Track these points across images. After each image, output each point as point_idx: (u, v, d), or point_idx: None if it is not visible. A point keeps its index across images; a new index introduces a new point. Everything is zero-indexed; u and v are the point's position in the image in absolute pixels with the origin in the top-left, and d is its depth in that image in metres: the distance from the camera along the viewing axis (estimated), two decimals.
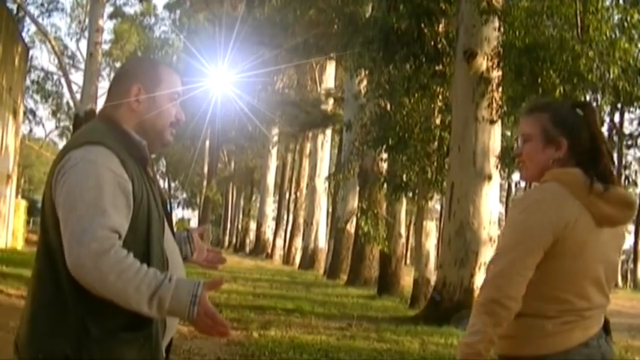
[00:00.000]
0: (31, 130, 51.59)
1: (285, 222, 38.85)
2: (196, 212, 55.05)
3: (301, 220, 30.66)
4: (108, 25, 44.63)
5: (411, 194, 13.99)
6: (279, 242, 35.66)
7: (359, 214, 16.10)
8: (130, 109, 2.06)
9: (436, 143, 13.01)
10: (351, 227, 19.25)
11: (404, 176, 13.33)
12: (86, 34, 25.51)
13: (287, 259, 31.79)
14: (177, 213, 62.02)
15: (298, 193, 33.33)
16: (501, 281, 2.06)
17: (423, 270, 13.08)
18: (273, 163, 36.58)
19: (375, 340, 8.36)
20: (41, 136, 52.86)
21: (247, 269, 22.24)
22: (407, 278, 15.55)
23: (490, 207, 10.50)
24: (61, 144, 49.39)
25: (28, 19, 32.20)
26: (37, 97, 42.52)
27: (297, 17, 19.33)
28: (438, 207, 20.99)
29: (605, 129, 24.81)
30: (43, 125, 74.82)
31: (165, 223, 2.07)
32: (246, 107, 25.85)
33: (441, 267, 10.86)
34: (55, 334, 1.86)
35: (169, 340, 2.13)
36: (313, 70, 27.19)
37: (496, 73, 10.57)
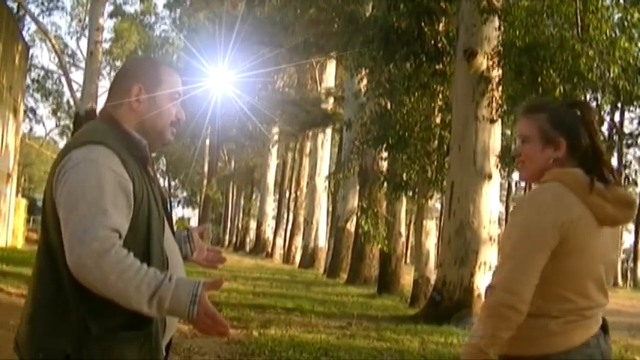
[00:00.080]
0: (31, 129, 51.66)
1: (285, 221, 38.85)
2: (196, 211, 55.10)
3: (301, 219, 30.67)
4: (108, 23, 44.76)
5: (411, 193, 14.00)
6: (279, 241, 35.67)
7: (359, 213, 16.11)
8: (130, 109, 2.07)
9: (436, 142, 13.01)
10: (351, 226, 19.27)
11: (404, 175, 13.33)
12: (86, 32, 25.48)
13: (287, 257, 31.80)
14: (178, 212, 62.09)
15: (298, 192, 33.34)
16: (515, 284, 2.04)
17: (423, 269, 13.08)
18: (273, 162, 36.59)
19: (375, 339, 8.36)
20: (41, 135, 52.89)
21: (247, 268, 22.25)
22: (407, 277, 15.56)
23: (490, 206, 10.50)
24: (62, 143, 49.51)
25: (28, 18, 32.26)
26: (38, 96, 42.66)
27: (298, 16, 19.32)
28: (438, 206, 20.99)
29: (605, 128, 24.82)
30: (44, 124, 75.08)
31: (166, 223, 2.08)
32: (247, 106, 25.87)
33: (441, 266, 10.86)
34: (55, 333, 1.86)
35: (169, 339, 2.14)
36: (313, 69, 27.19)
37: (496, 72, 10.58)
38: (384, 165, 15.86)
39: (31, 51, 29.42)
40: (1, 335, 5.93)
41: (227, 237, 48.65)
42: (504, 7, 10.57)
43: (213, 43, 25.70)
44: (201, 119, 27.74)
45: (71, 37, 72.56)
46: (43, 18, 38.11)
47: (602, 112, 12.69)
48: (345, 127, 17.29)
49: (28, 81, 34.45)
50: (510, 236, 2.13)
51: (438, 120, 13.14)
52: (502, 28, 10.58)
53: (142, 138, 2.05)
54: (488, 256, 10.22)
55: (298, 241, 31.18)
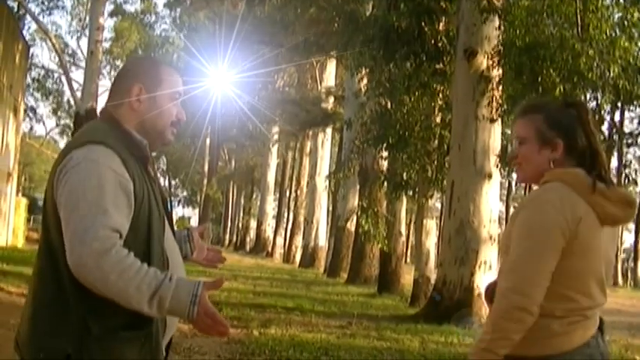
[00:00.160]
0: (31, 128, 51.84)
1: (285, 220, 38.85)
2: (197, 210, 55.12)
3: (301, 219, 30.67)
4: (108, 23, 44.95)
5: (411, 193, 14.00)
6: (280, 240, 35.67)
7: (359, 213, 16.11)
8: (131, 109, 2.07)
9: (436, 142, 13.02)
10: (351, 225, 19.27)
11: (404, 174, 13.34)
12: (87, 32, 25.49)
13: (287, 257, 31.81)
14: (178, 211, 62.14)
15: (299, 192, 33.35)
16: (527, 286, 2.03)
17: (423, 268, 13.09)
18: (273, 162, 36.60)
19: (375, 338, 8.36)
20: (42, 134, 52.90)
21: (247, 267, 22.26)
22: (407, 277, 15.56)
23: (490, 205, 10.50)
24: (62, 142, 49.54)
25: (28, 17, 32.26)
26: (38, 95, 42.68)
27: (298, 16, 19.32)
28: (439, 205, 20.99)
29: (605, 128, 24.83)
30: (44, 123, 75.12)
31: (166, 222, 2.08)
32: (247, 106, 25.87)
33: (441, 265, 10.86)
34: (56, 333, 1.87)
35: (170, 339, 2.15)
36: (314, 69, 27.19)
37: (496, 72, 10.58)
38: (385, 164, 15.86)
39: (31, 50, 29.44)
40: (1, 334, 5.94)
41: (227, 236, 48.67)
42: (504, 6, 10.57)
43: (213, 43, 25.71)
44: (202, 119, 27.74)
45: (71, 37, 72.71)
46: (44, 17, 38.12)
47: (602, 112, 12.67)
48: (346, 127, 17.29)
49: (29, 80, 34.48)
50: (516, 237, 2.11)
51: (438, 119, 13.15)
52: (502, 28, 10.58)
53: (143, 138, 2.06)
54: (489, 256, 10.22)
55: (298, 241, 31.19)
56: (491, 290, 2.26)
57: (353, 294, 14.52)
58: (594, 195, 2.11)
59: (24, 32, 28.68)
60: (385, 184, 14.37)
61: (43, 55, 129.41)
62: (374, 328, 9.24)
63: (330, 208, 27.94)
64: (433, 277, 12.37)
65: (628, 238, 43.44)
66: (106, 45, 39.85)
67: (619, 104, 21.30)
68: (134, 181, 1.93)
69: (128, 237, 1.87)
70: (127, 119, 2.06)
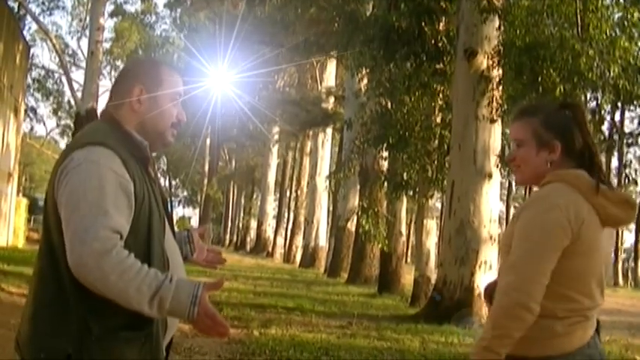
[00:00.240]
0: (32, 128, 51.85)
1: (285, 220, 38.85)
2: (197, 210, 55.15)
3: (302, 219, 30.67)
4: (109, 23, 44.87)
5: (411, 193, 14.00)
6: (280, 240, 35.67)
7: (359, 213, 16.10)
8: (131, 110, 2.07)
9: (436, 142, 13.02)
10: (351, 226, 19.26)
11: (404, 175, 13.34)
12: (87, 32, 25.49)
13: (288, 257, 31.81)
14: (178, 211, 62.17)
15: (299, 192, 33.35)
16: (528, 285, 2.04)
17: (424, 268, 13.09)
18: (273, 162, 36.60)
19: (375, 338, 8.36)
20: (42, 134, 52.95)
21: (248, 267, 22.26)
22: (407, 277, 15.56)
23: (490, 205, 10.51)
24: (62, 142, 49.60)
25: (29, 18, 32.27)
26: (38, 95, 42.68)
27: (298, 16, 19.32)
28: (439, 205, 20.98)
29: (605, 128, 24.81)
30: (44, 123, 75.08)
31: (166, 223, 2.09)
32: (247, 106, 25.87)
33: (442, 265, 10.86)
34: (56, 333, 1.87)
35: (170, 339, 2.15)
36: (314, 69, 27.19)
37: (496, 72, 10.58)
38: (385, 164, 15.87)
39: (31, 50, 29.42)
40: (2, 335, 5.95)
41: (228, 236, 48.66)
42: (504, 6, 10.57)
43: (213, 43, 25.68)
44: (202, 119, 27.75)
45: (72, 37, 72.61)
46: (44, 17, 38.14)
47: (603, 112, 12.67)
48: (346, 127, 17.27)
49: (29, 80, 34.49)
50: (518, 237, 2.12)
51: (438, 119, 13.15)
52: (502, 28, 10.58)
53: (143, 139, 2.06)
54: (489, 256, 10.23)
55: (299, 241, 31.19)
56: (490, 290, 2.27)
57: (353, 294, 14.52)
58: (597, 196, 2.11)
59: (24, 32, 28.69)
60: (385, 184, 14.37)
61: (43, 55, 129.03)
62: (374, 328, 9.24)
63: (331, 208, 27.94)
64: (433, 277, 12.38)
65: (628, 238, 43.41)
66: (107, 45, 39.88)
67: (619, 104, 21.29)
68: (134, 182, 1.94)
69: (128, 238, 1.88)
70: (128, 120, 2.07)
